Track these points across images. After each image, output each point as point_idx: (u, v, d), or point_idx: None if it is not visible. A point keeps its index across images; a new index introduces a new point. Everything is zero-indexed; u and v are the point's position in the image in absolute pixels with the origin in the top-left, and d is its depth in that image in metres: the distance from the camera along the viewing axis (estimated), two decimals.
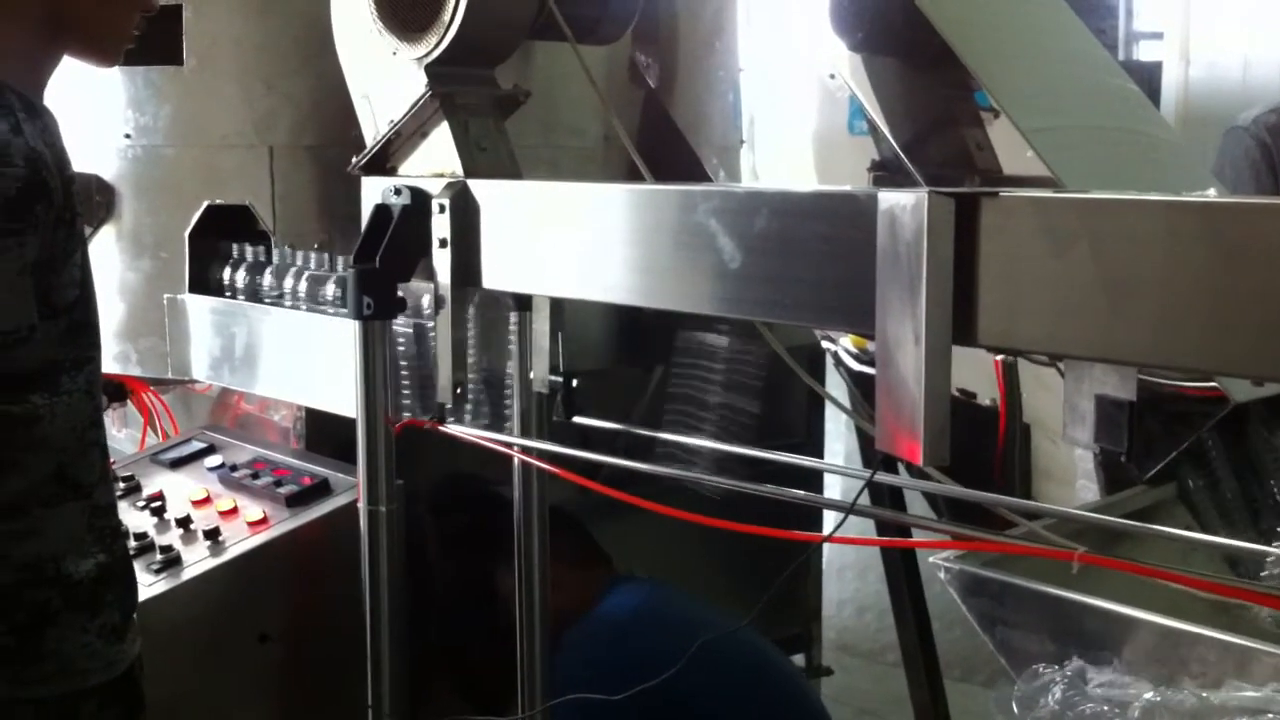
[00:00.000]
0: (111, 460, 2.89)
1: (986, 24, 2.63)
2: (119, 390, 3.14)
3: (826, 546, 3.50)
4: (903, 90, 2.80)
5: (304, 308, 2.51)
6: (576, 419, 2.17)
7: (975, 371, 2.63)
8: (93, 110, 2.82)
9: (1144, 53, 6.33)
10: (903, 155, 2.75)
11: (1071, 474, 2.44)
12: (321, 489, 2.50)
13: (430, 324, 2.14)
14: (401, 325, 2.22)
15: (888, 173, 2.97)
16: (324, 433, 2.63)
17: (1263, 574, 1.48)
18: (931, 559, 1.76)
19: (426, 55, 2.14)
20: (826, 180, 3.47)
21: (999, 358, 2.49)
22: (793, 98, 3.58)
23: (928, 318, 1.35)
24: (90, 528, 1.83)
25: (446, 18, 2.10)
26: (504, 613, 2.35)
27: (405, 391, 2.25)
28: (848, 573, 4.74)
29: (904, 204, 1.38)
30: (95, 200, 2.84)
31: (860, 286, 1.43)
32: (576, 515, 2.67)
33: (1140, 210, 1.25)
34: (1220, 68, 5.39)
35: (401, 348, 2.23)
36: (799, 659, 3.30)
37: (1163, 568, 1.37)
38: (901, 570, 2.97)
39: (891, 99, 2.81)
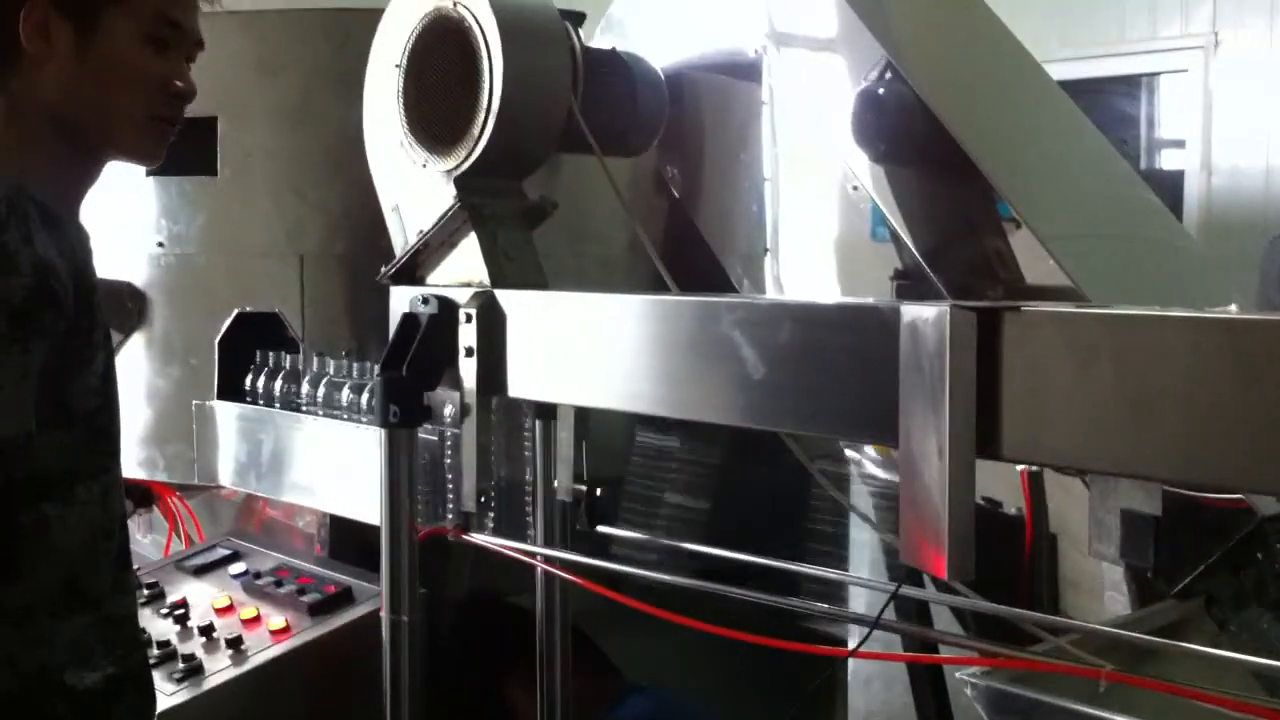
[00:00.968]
0: (136, 567, 2.92)
1: (1007, 135, 2.66)
2: (145, 495, 3.15)
3: (852, 659, 3.45)
4: (924, 200, 2.82)
5: (331, 415, 2.52)
6: (600, 528, 2.17)
7: (1000, 480, 2.61)
8: (127, 219, 2.87)
9: (1166, 161, 6.37)
10: (925, 264, 2.76)
11: (1099, 585, 2.41)
12: (344, 597, 2.49)
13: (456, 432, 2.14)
14: (427, 434, 2.23)
15: (910, 281, 2.97)
16: (348, 540, 2.64)
17: None
18: (958, 674, 1.73)
19: (456, 168, 2.18)
20: (850, 288, 3.49)
21: (1024, 467, 2.48)
22: (816, 207, 3.61)
23: (951, 430, 1.35)
24: (101, 639, 1.80)
25: (476, 131, 2.14)
26: None
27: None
28: (875, 684, 4.66)
29: (926, 317, 1.39)
30: (128, 308, 2.88)
31: (884, 398, 1.44)
32: (578, 625, 2.65)
33: (1163, 326, 1.26)
34: (1242, 176, 5.43)
35: (426, 457, 2.24)
36: None
37: (1192, 686, 1.35)
38: (928, 685, 2.92)
39: (913, 208, 2.83)
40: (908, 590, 1.68)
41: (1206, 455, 1.21)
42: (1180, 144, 5.86)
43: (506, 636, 2.38)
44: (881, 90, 2.78)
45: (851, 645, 1.78)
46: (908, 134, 2.76)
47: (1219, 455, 1.20)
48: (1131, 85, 6.26)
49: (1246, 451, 1.18)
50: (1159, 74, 6.12)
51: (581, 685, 2.52)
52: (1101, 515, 1.39)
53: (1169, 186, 5.42)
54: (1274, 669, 1.47)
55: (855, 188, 3.00)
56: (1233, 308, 1.34)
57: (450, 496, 2.18)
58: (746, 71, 3.12)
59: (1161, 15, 5.73)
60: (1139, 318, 1.27)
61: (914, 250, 2.89)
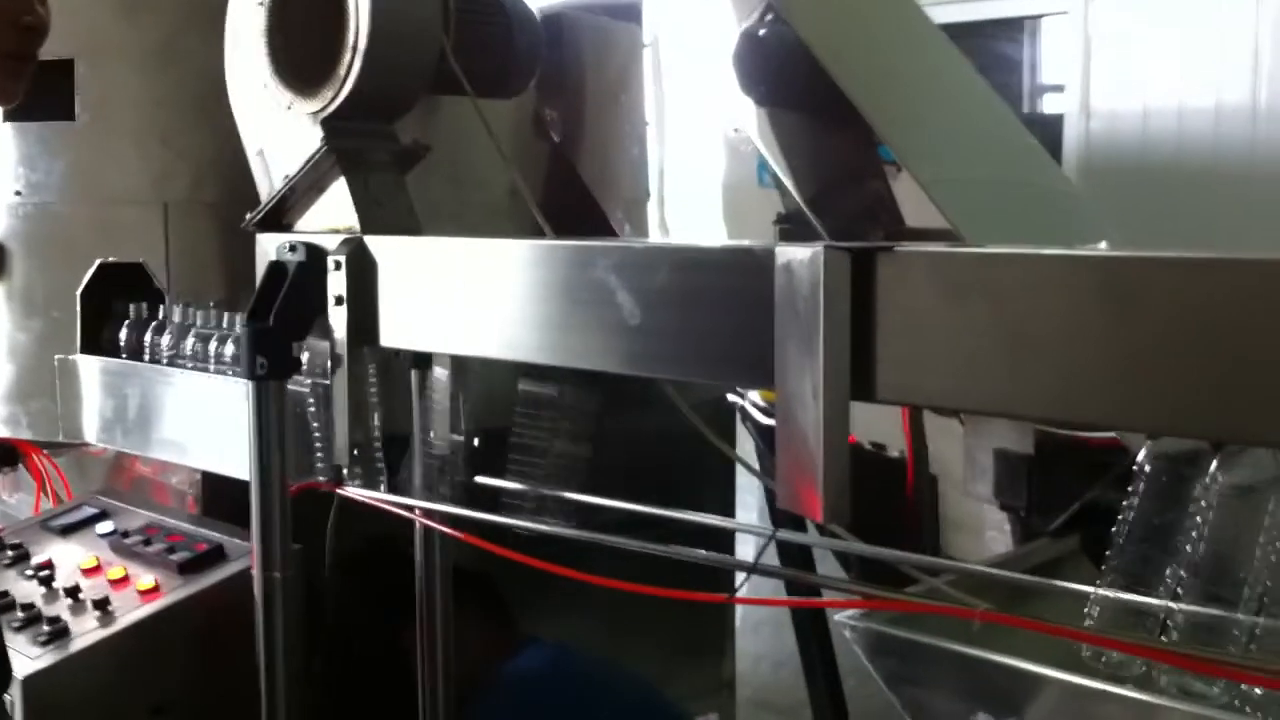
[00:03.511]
0: (0, 527, 2.82)
1: (888, 78, 2.65)
2: (10, 454, 3.05)
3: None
4: (806, 144, 2.80)
5: (199, 368, 2.44)
6: (479, 479, 2.13)
7: (886, 423, 2.62)
8: None
9: (1047, 105, 6.45)
10: (807, 209, 2.75)
11: (981, 525, 2.44)
12: (216, 555, 2.43)
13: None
14: (298, 386, 2.16)
15: (794, 225, 2.97)
16: (222, 497, 2.57)
17: (1174, 633, 1.47)
18: (837, 617, 1.74)
19: (323, 110, 2.10)
20: (736, 233, 3.47)
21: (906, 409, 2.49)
22: (701, 151, 3.59)
23: (826, 373, 1.34)
24: None
25: (343, 72, 2.06)
26: (406, 676, 2.29)
27: (319, 453, 2.19)
28: (764, 628, 4.71)
29: (801, 258, 1.36)
30: None
31: (761, 342, 1.41)
32: (486, 574, 2.61)
33: (1036, 264, 1.25)
34: (1120, 119, 5.51)
35: (298, 410, 2.17)
36: (713, 717, 3.26)
37: (1065, 626, 1.36)
38: (810, 629, 2.95)
39: (796, 153, 2.82)
40: (786, 534, 1.67)
41: (1078, 394, 1.20)
42: (1060, 88, 5.93)
43: (402, 586, 2.33)
44: (763, 32, 2.75)
45: (741, 594, 1.77)
46: (790, 77, 2.74)
47: (1091, 394, 1.19)
48: (1013, 28, 6.32)
49: (1118, 390, 1.18)
50: (1040, 17, 6.18)
51: (476, 636, 2.49)
52: (976, 455, 1.39)
53: (1050, 130, 5.48)
54: (1146, 605, 1.49)
55: (737, 130, 2.98)
56: (1103, 245, 1.34)
57: (322, 450, 2.12)
58: (627, 12, 3.08)
59: None
60: (1011, 256, 1.26)
61: (796, 195, 2.88)
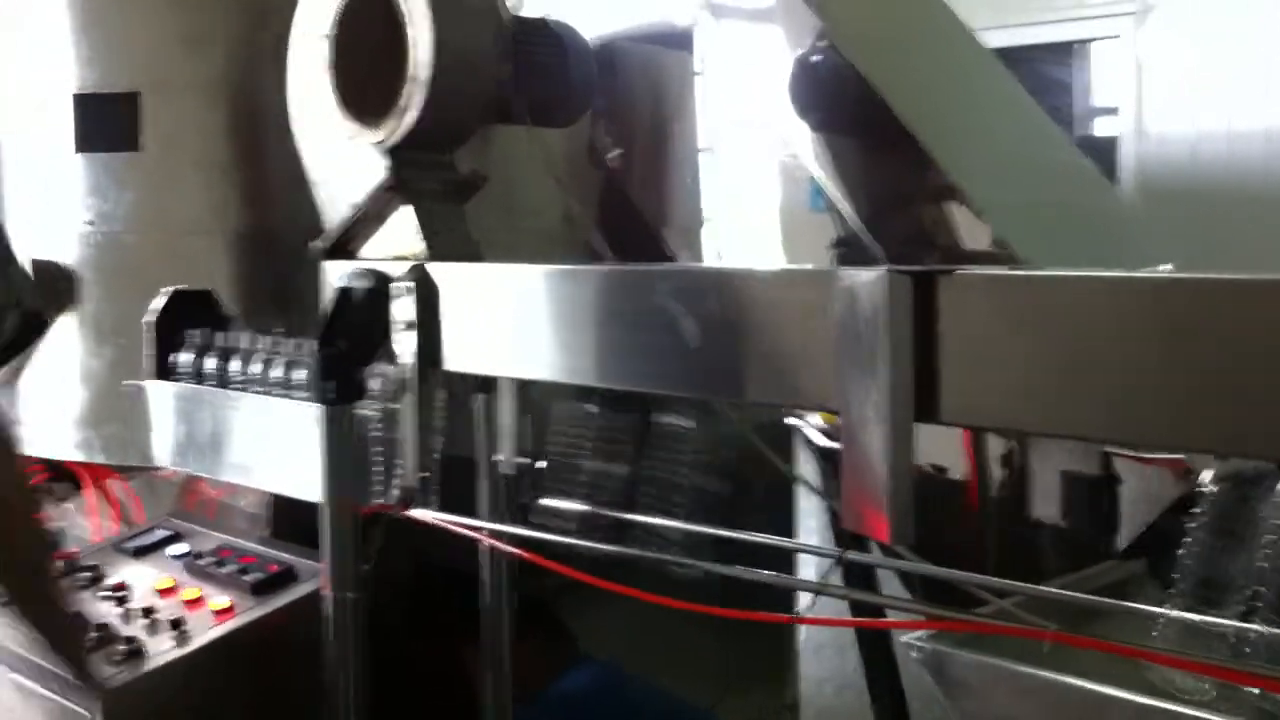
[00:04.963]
0: (74, 550, 2.87)
1: (942, 103, 2.66)
2: (74, 479, 3.11)
3: (803, 625, 3.47)
4: (861, 169, 2.82)
5: (268, 392, 2.48)
6: (543, 501, 2.16)
7: (946, 447, 2.63)
8: (54, 197, 2.82)
9: (1099, 128, 6.42)
10: (863, 233, 2.77)
11: (1043, 548, 2.44)
12: (287, 576, 2.47)
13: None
14: (366, 410, 2.20)
15: (850, 249, 2.98)
16: (291, 519, 2.61)
17: (1246, 651, 1.47)
18: (903, 638, 1.74)
19: (385, 140, 2.15)
20: (790, 258, 3.49)
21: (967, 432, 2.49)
22: (755, 177, 3.61)
23: (889, 395, 1.36)
24: None
25: (405, 103, 2.11)
26: (466, 693, 2.32)
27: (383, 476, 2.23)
28: (826, 650, 4.69)
29: (863, 282, 1.38)
30: (57, 287, 2.83)
31: (821, 364, 1.44)
32: (542, 594, 2.64)
33: (1095, 286, 1.26)
34: (1169, 143, 5.48)
35: (375, 433, 2.21)
36: None
37: (1134, 645, 1.36)
38: (876, 649, 2.95)
39: (851, 177, 2.84)
40: (855, 556, 1.68)
41: (1140, 415, 1.22)
42: (1113, 111, 5.90)
43: (462, 606, 2.36)
44: (817, 58, 2.78)
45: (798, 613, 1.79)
46: (844, 103, 2.77)
47: (1152, 414, 1.21)
48: (1064, 52, 6.30)
49: (1179, 410, 1.19)
50: (1090, 40, 6.16)
51: (531, 654, 2.52)
52: (1041, 477, 1.39)
53: (1103, 153, 5.46)
54: (1214, 625, 1.49)
55: (792, 156, 3.00)
56: (1164, 267, 1.35)
57: (394, 472, 2.15)
58: (680, 41, 3.12)
59: None
60: (1070, 279, 1.28)
61: (852, 219, 2.90)
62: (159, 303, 2.72)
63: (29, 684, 2.44)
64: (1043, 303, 1.29)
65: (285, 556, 2.53)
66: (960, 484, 2.53)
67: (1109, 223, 2.67)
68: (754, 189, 3.53)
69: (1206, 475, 1.55)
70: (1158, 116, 5.53)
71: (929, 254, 2.73)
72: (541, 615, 2.67)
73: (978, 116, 2.76)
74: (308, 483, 2.23)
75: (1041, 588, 1.77)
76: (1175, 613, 1.48)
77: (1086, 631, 1.49)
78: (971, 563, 2.42)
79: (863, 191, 2.86)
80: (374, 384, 2.15)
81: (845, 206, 2.85)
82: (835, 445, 2.89)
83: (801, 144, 2.92)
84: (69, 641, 2.26)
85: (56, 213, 2.84)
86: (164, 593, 2.52)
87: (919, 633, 1.71)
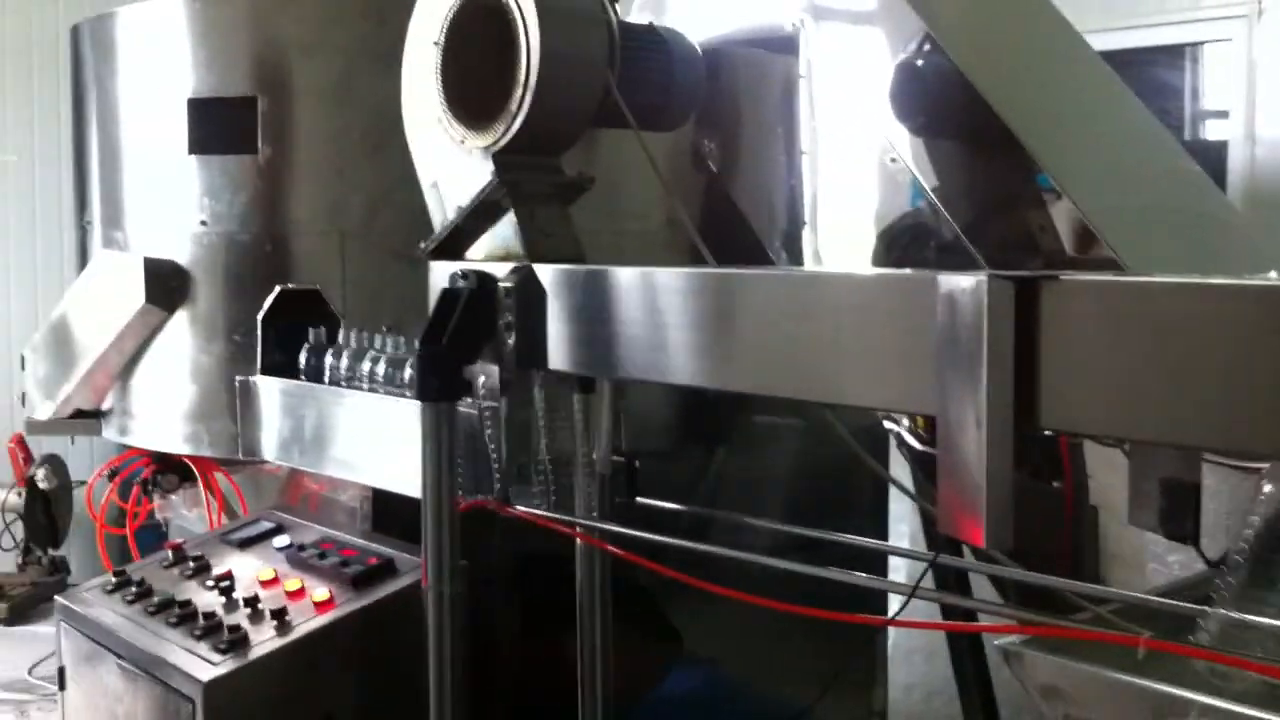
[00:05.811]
0: (181, 541, 2.96)
1: (1047, 106, 2.64)
2: (187, 471, 3.20)
3: (893, 630, 3.46)
4: (964, 173, 2.80)
5: (373, 390, 2.54)
6: (639, 499, 2.18)
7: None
8: (171, 197, 2.90)
9: (1210, 132, 6.29)
10: (964, 237, 2.75)
11: (1142, 557, 2.41)
12: (387, 569, 2.52)
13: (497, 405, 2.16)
14: (467, 407, 2.24)
15: (950, 254, 2.96)
16: (390, 513, 2.66)
17: None
18: (996, 643, 1.74)
19: (494, 144, 2.19)
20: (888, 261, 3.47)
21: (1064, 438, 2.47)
22: (855, 180, 3.60)
23: (989, 401, 1.35)
24: None
25: (514, 108, 2.14)
26: (568, 690, 2.34)
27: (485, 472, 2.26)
28: (916, 656, 4.66)
29: (964, 287, 1.38)
30: (170, 286, 2.92)
31: (920, 369, 1.44)
32: (650, 589, 2.65)
33: (1200, 293, 1.25)
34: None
35: (467, 430, 2.25)
36: None
37: (1231, 653, 1.35)
38: (968, 655, 2.93)
39: (952, 181, 2.82)
40: (949, 560, 1.68)
41: (1244, 422, 1.20)
42: (1224, 114, 5.78)
43: (564, 597, 2.39)
44: (920, 63, 2.76)
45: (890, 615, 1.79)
46: (947, 106, 2.75)
47: (1256, 422, 1.19)
48: (1174, 55, 6.18)
49: None
50: (1202, 43, 6.04)
51: (634, 653, 2.53)
52: (1140, 484, 1.38)
53: (1213, 157, 5.34)
54: None
55: (894, 160, 2.99)
56: (1272, 274, 1.33)
57: (493, 468, 2.19)
58: (783, 45, 3.11)
59: None
60: (1175, 285, 1.27)
61: (953, 223, 2.88)
62: (269, 301, 2.80)
63: (134, 669, 2.52)
64: (1148, 309, 1.28)
65: (386, 550, 2.58)
66: (1056, 491, 2.50)
67: (1217, 228, 2.62)
68: (854, 192, 3.51)
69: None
70: (1269, 121, 5.40)
71: (1032, 259, 2.70)
72: (646, 609, 2.69)
73: (1084, 120, 2.73)
74: (409, 478, 2.28)
75: (1136, 595, 1.76)
76: (1269, 621, 1.46)
77: (1183, 641, 1.48)
78: (1065, 572, 2.40)
79: (965, 195, 2.84)
80: (479, 382, 2.19)
81: (946, 210, 2.83)
82: (930, 450, 2.88)
83: (904, 147, 2.91)
84: None
85: (172, 213, 2.93)
86: (266, 583, 2.59)
87: (1012, 637, 1.70)
